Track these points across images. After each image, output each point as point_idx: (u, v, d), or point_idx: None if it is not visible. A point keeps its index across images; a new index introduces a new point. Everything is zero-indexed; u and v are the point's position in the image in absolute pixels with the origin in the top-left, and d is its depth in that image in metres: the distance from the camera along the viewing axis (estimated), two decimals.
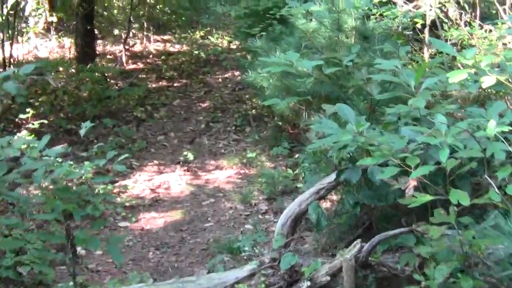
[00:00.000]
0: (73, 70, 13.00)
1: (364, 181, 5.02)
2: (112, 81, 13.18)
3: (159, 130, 10.42)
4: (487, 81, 3.99)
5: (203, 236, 6.80)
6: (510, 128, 4.10)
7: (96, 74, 12.72)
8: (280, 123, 9.27)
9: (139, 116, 10.85)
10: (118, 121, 10.60)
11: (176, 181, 8.26)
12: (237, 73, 13.82)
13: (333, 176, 5.10)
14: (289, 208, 5.41)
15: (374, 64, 5.58)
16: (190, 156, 8.88)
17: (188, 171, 8.63)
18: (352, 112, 4.29)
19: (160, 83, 13.52)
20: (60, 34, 15.90)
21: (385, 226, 5.29)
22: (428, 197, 3.96)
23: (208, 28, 17.16)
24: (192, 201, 7.71)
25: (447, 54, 7.35)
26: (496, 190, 3.83)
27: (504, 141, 4.01)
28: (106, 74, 13.40)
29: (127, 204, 7.58)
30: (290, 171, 7.96)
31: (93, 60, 13.88)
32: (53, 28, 16.20)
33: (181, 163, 8.86)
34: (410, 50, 7.55)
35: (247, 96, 11.64)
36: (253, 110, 10.23)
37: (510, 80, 4.41)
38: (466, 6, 8.52)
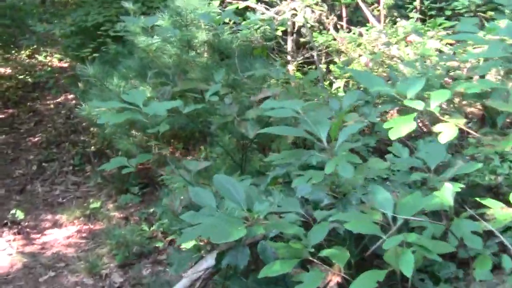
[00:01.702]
0: None
1: (253, 260, 3.69)
2: None
3: None
4: (447, 132, 2.76)
5: None
6: (462, 186, 2.92)
7: None
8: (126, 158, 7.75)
9: None
10: None
11: (5, 250, 6.52)
12: (70, 96, 12.17)
13: (211, 260, 3.71)
14: None
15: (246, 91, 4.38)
16: (20, 214, 7.10)
17: (18, 233, 6.87)
18: (237, 185, 2.93)
19: None
20: None
21: None
22: None
23: (35, 46, 15.26)
24: (26, 277, 6.00)
25: (324, 66, 6.22)
26: None
27: (474, 214, 2.81)
28: None
29: None
30: (145, 226, 6.43)
31: None
32: None
33: (9, 223, 7.10)
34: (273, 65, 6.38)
35: (84, 124, 10.06)
36: (93, 147, 8.65)
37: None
38: (325, 7, 7.40)
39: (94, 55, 7.47)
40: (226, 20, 6.57)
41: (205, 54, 6.49)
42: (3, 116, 11.54)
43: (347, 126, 3.14)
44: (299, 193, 3.34)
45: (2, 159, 9.31)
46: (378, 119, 4.17)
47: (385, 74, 5.97)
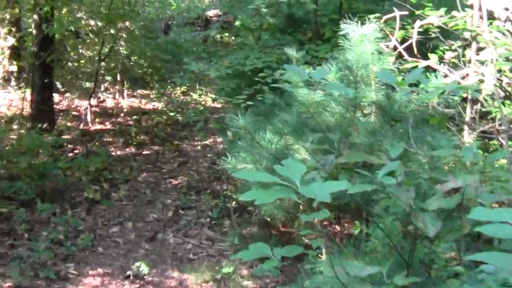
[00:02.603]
0: (22, 132, 10.80)
1: None
2: (69, 145, 10.94)
3: (114, 218, 8.07)
4: None
5: None
6: None
7: (49, 137, 10.50)
8: (268, 218, 6.90)
9: (92, 197, 8.54)
10: (63, 204, 8.28)
11: None
12: (219, 139, 11.64)
13: None
14: None
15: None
16: (144, 268, 6.35)
17: None
18: None
19: (127, 149, 11.27)
20: (21, 85, 13.54)
21: None
22: None
23: (190, 84, 14.93)
24: None
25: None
26: None
27: None
28: (63, 136, 11.23)
29: None
30: None
31: (51, 119, 11.68)
32: (14, 79, 14.09)
33: (131, 276, 6.42)
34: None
35: (229, 172, 9.41)
36: (234, 202, 7.92)
37: None
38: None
39: (248, 102, 6.79)
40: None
41: (372, 116, 5.64)
42: (148, 152, 11.15)
43: None
44: None
45: (139, 199, 8.78)
46: None
47: None
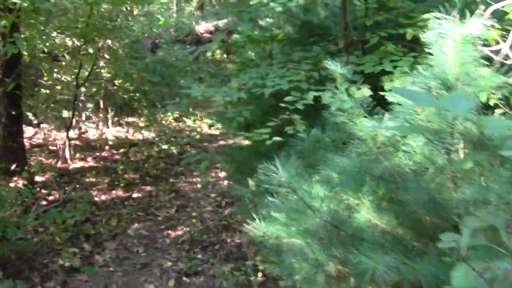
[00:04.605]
0: None
1: None
2: (43, 190, 9.03)
3: None
4: None
5: None
6: None
7: (16, 183, 8.63)
8: None
9: (69, 264, 6.63)
10: (31, 275, 6.34)
11: None
12: (222, 174, 9.81)
13: None
14: None
15: None
16: None
17: None
18: None
19: (113, 192, 9.38)
20: None
21: None
22: None
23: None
24: None
25: None
26: None
27: None
28: (36, 178, 9.37)
29: None
30: None
31: (21, 158, 9.79)
32: None
33: None
34: None
35: (239, 217, 7.54)
36: (260, 275, 5.99)
37: None
38: None
39: (276, 138, 4.89)
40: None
41: (461, 155, 3.77)
42: (139, 195, 9.27)
43: None
44: None
45: (131, 263, 6.83)
46: None
47: None
